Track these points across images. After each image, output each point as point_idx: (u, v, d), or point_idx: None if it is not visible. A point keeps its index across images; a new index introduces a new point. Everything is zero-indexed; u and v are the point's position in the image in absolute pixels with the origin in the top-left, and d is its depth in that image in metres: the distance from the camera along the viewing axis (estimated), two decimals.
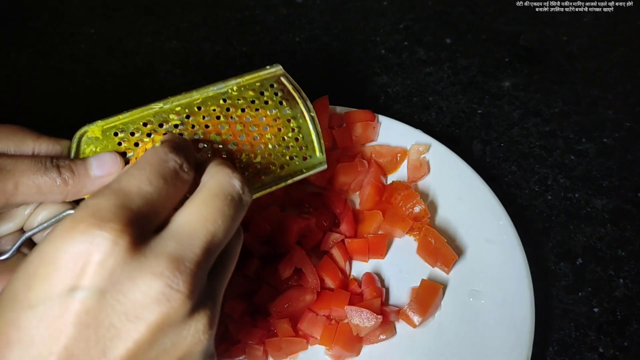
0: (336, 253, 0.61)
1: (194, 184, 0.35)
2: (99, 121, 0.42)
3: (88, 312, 0.27)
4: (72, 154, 0.41)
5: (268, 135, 0.46)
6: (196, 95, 0.45)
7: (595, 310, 0.61)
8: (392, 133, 0.70)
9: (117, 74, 0.85)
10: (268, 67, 0.49)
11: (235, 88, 0.47)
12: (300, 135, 0.48)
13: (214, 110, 0.45)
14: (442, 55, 0.85)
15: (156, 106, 0.44)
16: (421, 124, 0.75)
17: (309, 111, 0.48)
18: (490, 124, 0.77)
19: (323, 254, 0.62)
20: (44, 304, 0.27)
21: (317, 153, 0.48)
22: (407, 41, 0.87)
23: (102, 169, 0.38)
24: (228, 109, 0.45)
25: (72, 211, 0.38)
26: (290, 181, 0.46)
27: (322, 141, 0.48)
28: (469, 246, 0.62)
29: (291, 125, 0.47)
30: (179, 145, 0.35)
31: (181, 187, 0.33)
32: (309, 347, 0.57)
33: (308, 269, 0.58)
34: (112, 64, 0.86)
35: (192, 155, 0.36)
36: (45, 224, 0.38)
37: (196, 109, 0.44)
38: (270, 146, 0.46)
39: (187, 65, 0.85)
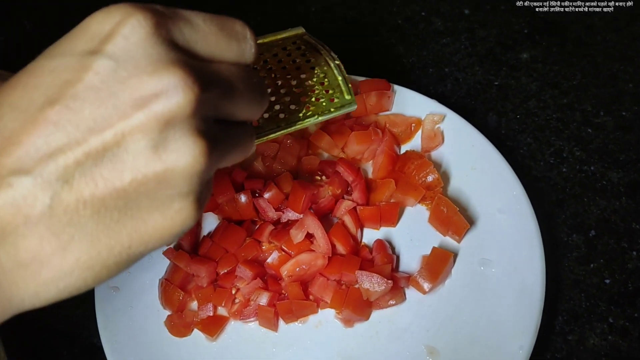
0: (348, 220, 0.62)
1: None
2: None
3: (99, 75, 0.26)
4: None
5: (292, 81, 0.46)
6: None
7: (607, 281, 0.61)
8: (406, 103, 0.69)
9: None
10: (289, 29, 0.49)
11: None
12: (326, 80, 0.47)
13: None
14: (460, 26, 0.84)
15: None
16: (437, 95, 0.75)
17: (333, 60, 0.48)
18: (507, 96, 0.76)
19: (335, 220, 0.62)
20: (63, 57, 0.27)
21: (346, 95, 0.47)
22: (424, 11, 0.85)
23: None
24: None
25: None
26: (320, 118, 0.45)
27: (349, 85, 0.47)
28: (481, 216, 0.62)
29: (315, 71, 0.47)
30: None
31: (226, 27, 0.31)
32: (319, 310, 0.58)
33: (320, 234, 0.59)
34: None
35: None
36: None
37: None
38: (294, 90, 0.45)
39: None
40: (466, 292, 0.58)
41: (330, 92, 0.47)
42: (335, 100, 0.46)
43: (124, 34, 0.27)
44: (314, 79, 0.47)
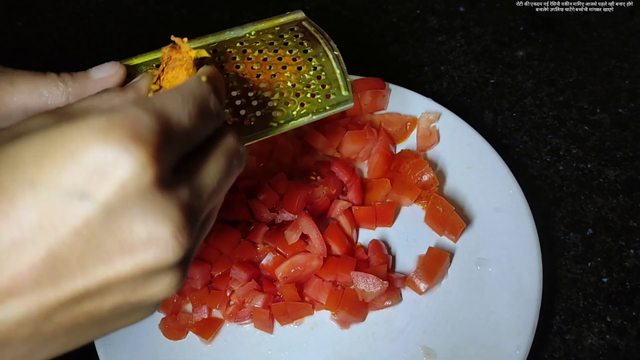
0: (343, 220, 0.61)
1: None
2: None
3: (88, 223, 0.26)
4: None
5: (287, 74, 0.43)
6: (211, 39, 0.44)
7: (604, 280, 0.60)
8: (402, 102, 0.69)
9: (126, 42, 0.84)
10: (289, 12, 0.47)
11: (253, 32, 0.44)
12: (323, 74, 0.45)
13: (230, 51, 0.43)
14: (455, 24, 0.83)
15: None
16: (432, 94, 0.74)
17: (332, 50, 0.45)
18: (503, 94, 0.75)
19: (330, 221, 0.62)
20: (47, 191, 0.25)
21: (342, 91, 0.45)
22: (420, 9, 0.85)
23: (101, 72, 0.37)
24: (245, 51, 0.44)
25: None
26: (314, 117, 0.43)
27: (347, 79, 0.45)
28: (477, 215, 0.61)
29: (312, 64, 0.45)
30: (218, 85, 0.33)
31: (209, 130, 0.32)
32: (314, 312, 0.58)
33: (315, 235, 0.58)
34: (120, 33, 0.85)
35: (224, 97, 0.35)
36: None
37: (211, 51, 0.43)
38: (289, 84, 0.43)
39: (196, 34, 0.84)
40: (463, 292, 0.57)
41: (327, 87, 0.44)
42: (332, 96, 0.44)
43: (119, 180, 0.26)
44: (311, 72, 0.44)
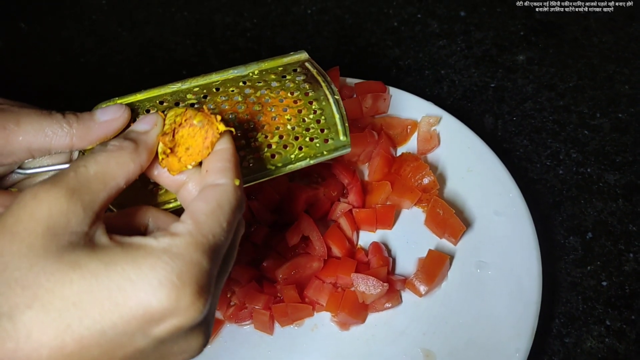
0: (344, 222, 0.61)
1: None
2: (116, 99, 0.42)
3: (140, 353, 0.30)
4: None
5: (287, 116, 0.44)
6: (215, 77, 0.44)
7: (604, 284, 0.60)
8: (402, 105, 0.69)
9: (128, 44, 0.85)
10: (292, 53, 0.47)
11: (256, 72, 0.45)
12: (323, 118, 0.45)
13: (233, 91, 0.44)
14: (456, 28, 0.84)
15: (174, 86, 0.43)
16: (433, 97, 0.75)
17: (333, 94, 0.46)
18: (503, 98, 0.76)
19: (331, 223, 0.62)
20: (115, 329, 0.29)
21: (341, 136, 0.45)
22: (420, 14, 0.85)
23: (106, 114, 0.38)
24: (247, 91, 0.44)
25: (65, 166, 0.38)
26: (311, 162, 0.44)
27: (346, 124, 0.45)
28: (477, 218, 0.61)
29: (313, 107, 0.45)
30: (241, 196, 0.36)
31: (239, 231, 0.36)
32: (314, 313, 0.58)
33: (315, 236, 0.58)
34: (122, 34, 0.86)
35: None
36: (42, 169, 0.38)
37: (214, 90, 0.43)
38: (289, 127, 0.44)
39: (198, 36, 0.85)
40: (462, 294, 0.57)
41: (326, 131, 0.45)
42: (330, 141, 0.45)
43: (174, 326, 0.30)
44: (311, 116, 0.45)
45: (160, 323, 0.29)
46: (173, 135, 0.37)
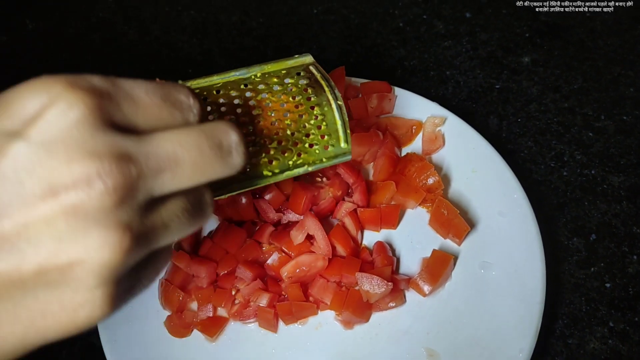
0: (348, 222, 0.62)
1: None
2: None
3: (14, 162, 0.24)
4: None
5: (287, 121, 0.43)
6: (216, 79, 0.43)
7: (607, 285, 0.60)
8: (407, 105, 0.69)
9: (134, 43, 0.85)
10: (297, 55, 0.46)
11: (259, 74, 0.44)
12: (324, 124, 0.44)
13: (233, 94, 0.43)
14: (461, 29, 0.84)
15: None
16: (438, 98, 0.75)
17: (335, 99, 0.45)
18: (508, 99, 0.76)
19: (335, 222, 0.62)
20: None
21: (342, 143, 0.44)
22: (426, 14, 0.86)
23: None
24: (248, 94, 0.43)
25: None
26: (309, 169, 0.42)
27: (348, 131, 0.44)
28: (481, 219, 0.62)
29: (315, 112, 0.44)
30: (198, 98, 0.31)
31: (176, 115, 0.29)
32: (319, 312, 0.58)
33: (320, 235, 0.59)
34: (129, 33, 0.86)
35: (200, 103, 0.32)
36: None
37: (214, 92, 0.43)
38: (288, 132, 0.43)
39: (204, 35, 0.85)
40: (466, 294, 0.58)
41: (326, 138, 0.43)
42: (330, 148, 0.43)
43: (51, 119, 0.25)
44: (312, 122, 0.43)
45: (34, 118, 0.25)
46: None
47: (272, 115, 0.43)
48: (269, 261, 0.59)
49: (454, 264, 0.60)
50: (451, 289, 0.58)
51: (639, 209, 0.65)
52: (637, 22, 0.82)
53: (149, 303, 0.60)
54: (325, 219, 0.63)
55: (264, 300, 0.57)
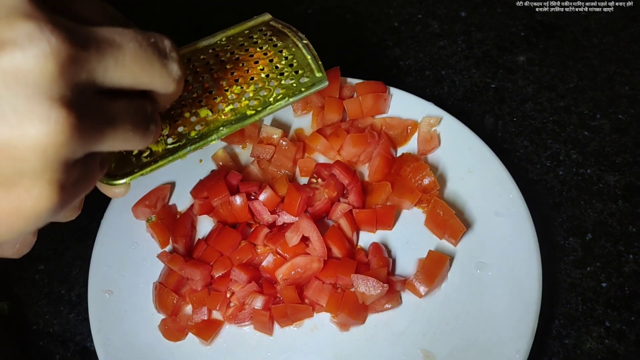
0: (344, 223, 0.61)
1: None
2: None
3: None
4: None
5: (260, 67, 0.45)
6: (184, 50, 0.45)
7: (603, 285, 0.60)
8: (403, 105, 0.69)
9: None
10: (255, 16, 0.49)
11: (224, 39, 0.46)
12: (295, 62, 0.46)
13: (203, 58, 0.45)
14: (457, 28, 0.83)
15: None
16: (433, 98, 0.75)
17: (300, 40, 0.47)
18: (504, 99, 0.76)
19: (331, 224, 0.62)
20: None
21: (316, 73, 0.46)
22: (421, 14, 0.85)
23: None
24: (217, 55, 0.45)
25: None
26: (291, 100, 0.45)
27: (319, 62, 0.46)
28: (477, 219, 0.61)
29: (283, 54, 0.46)
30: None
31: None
32: (314, 314, 0.58)
33: (315, 237, 0.58)
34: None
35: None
36: None
37: (185, 61, 0.45)
38: (262, 75, 0.45)
39: (199, 36, 0.85)
40: (462, 295, 0.57)
41: (300, 72, 0.46)
42: (306, 79, 0.46)
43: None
44: (283, 62, 0.46)
45: None
46: None
47: (244, 65, 0.45)
48: (264, 263, 0.59)
49: (450, 265, 0.59)
50: (447, 290, 0.58)
51: (635, 208, 0.65)
52: (632, 21, 0.82)
53: (143, 307, 0.59)
54: (320, 220, 0.63)
55: (259, 303, 0.57)
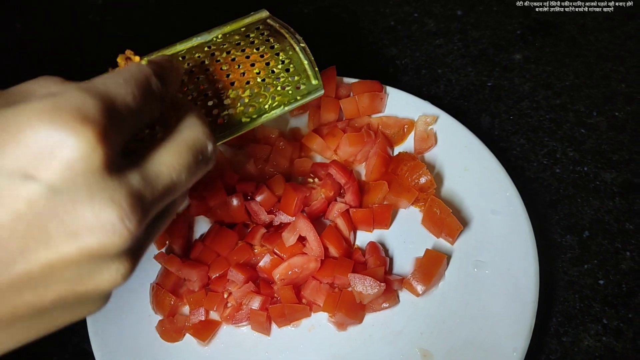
0: (340, 222, 0.61)
1: (168, 120, 0.34)
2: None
3: (31, 205, 0.25)
4: None
5: (256, 70, 0.45)
6: (180, 47, 0.45)
7: (601, 282, 0.60)
8: (399, 104, 0.69)
9: (124, 45, 0.84)
10: (252, 12, 0.48)
11: (220, 36, 0.46)
12: (292, 66, 0.46)
13: (199, 57, 0.44)
14: (453, 27, 0.83)
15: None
16: (429, 97, 0.75)
17: (298, 43, 0.47)
18: (500, 97, 0.76)
19: (328, 223, 0.62)
20: None
21: (312, 80, 0.46)
22: (417, 13, 0.85)
23: None
24: (213, 54, 0.45)
25: None
26: (286, 108, 0.44)
27: (315, 68, 0.46)
28: (474, 217, 0.61)
29: (280, 57, 0.46)
30: (162, 69, 0.34)
31: (154, 112, 0.32)
32: (312, 314, 0.58)
33: (312, 237, 0.58)
34: (119, 34, 0.86)
35: (176, 79, 0.35)
36: None
37: (180, 59, 0.44)
38: (259, 80, 0.44)
39: (193, 34, 0.84)
40: (460, 294, 0.57)
41: (297, 78, 0.45)
42: (302, 87, 0.45)
43: (66, 161, 0.25)
44: (279, 66, 0.45)
45: (47, 158, 0.25)
46: None
47: (240, 68, 0.44)
48: (261, 263, 0.59)
49: (447, 264, 0.59)
50: (444, 289, 0.58)
51: (632, 205, 0.65)
52: (627, 18, 0.82)
53: (140, 308, 0.59)
54: (317, 220, 0.63)
55: (256, 303, 0.57)
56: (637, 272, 0.60)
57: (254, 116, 0.43)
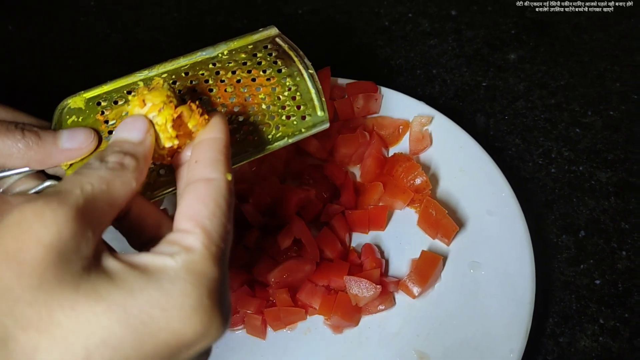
0: (336, 224, 0.61)
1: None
2: (82, 92, 0.42)
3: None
4: (53, 126, 0.40)
5: (261, 96, 0.43)
6: (183, 62, 0.43)
7: (597, 282, 0.60)
8: (394, 105, 0.69)
9: (117, 46, 0.84)
10: (261, 29, 0.46)
11: (225, 52, 0.44)
12: (298, 94, 0.44)
13: (202, 74, 0.42)
14: (447, 27, 0.83)
15: (141, 74, 0.42)
16: (424, 97, 0.74)
17: (306, 68, 0.44)
18: (495, 97, 0.75)
19: (323, 225, 0.62)
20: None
21: (318, 111, 0.43)
22: (411, 13, 0.85)
23: (72, 141, 0.37)
24: (217, 72, 0.43)
25: (53, 182, 0.37)
26: (290, 141, 0.42)
27: (322, 99, 0.44)
28: (470, 218, 0.61)
29: (287, 84, 0.44)
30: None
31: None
32: (307, 317, 0.57)
33: (307, 239, 0.58)
34: (112, 36, 0.85)
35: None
36: (5, 173, 0.36)
37: (183, 75, 0.42)
38: (264, 106, 0.42)
39: (189, 37, 0.84)
40: (456, 295, 0.57)
41: (302, 108, 0.43)
42: (307, 118, 0.43)
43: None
44: (286, 93, 0.43)
45: (190, 348, 0.28)
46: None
47: (245, 91, 0.43)
48: (256, 266, 0.58)
49: (443, 265, 0.59)
50: (441, 290, 0.58)
51: (627, 205, 0.65)
52: (622, 17, 0.82)
53: None
54: (312, 222, 0.62)
55: (251, 307, 0.56)
56: (633, 272, 0.60)
57: (257, 146, 0.41)
